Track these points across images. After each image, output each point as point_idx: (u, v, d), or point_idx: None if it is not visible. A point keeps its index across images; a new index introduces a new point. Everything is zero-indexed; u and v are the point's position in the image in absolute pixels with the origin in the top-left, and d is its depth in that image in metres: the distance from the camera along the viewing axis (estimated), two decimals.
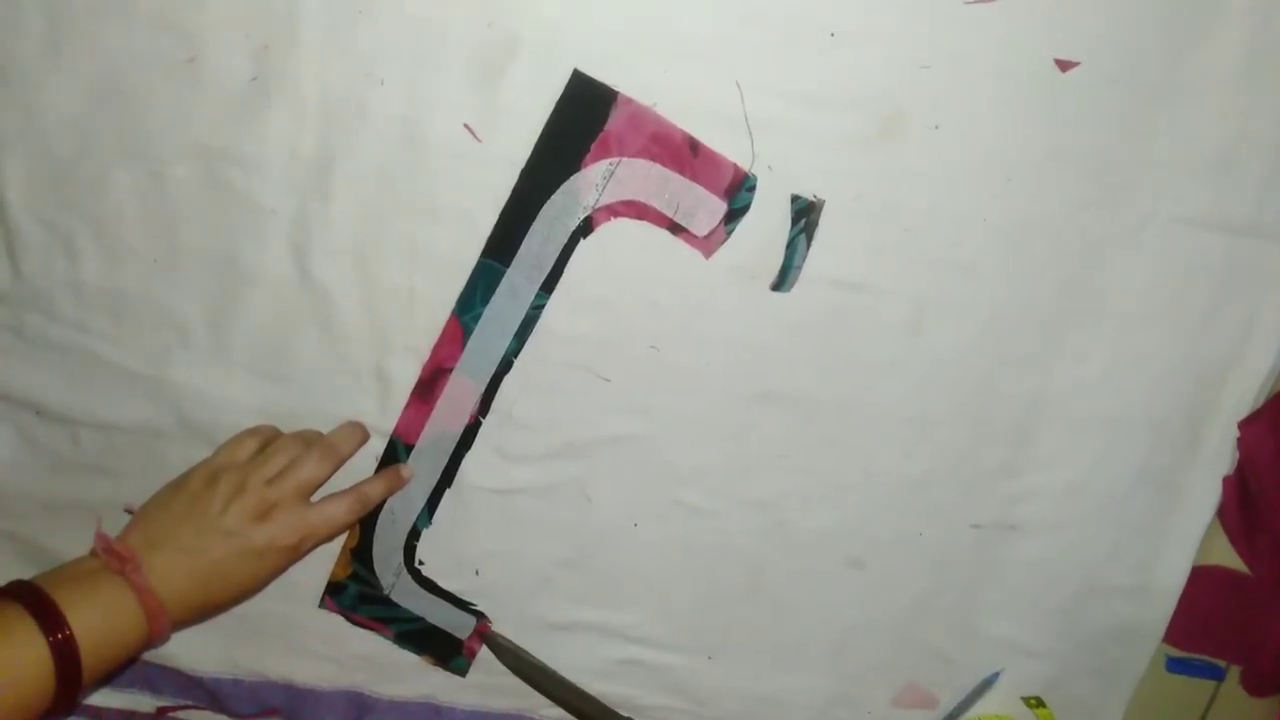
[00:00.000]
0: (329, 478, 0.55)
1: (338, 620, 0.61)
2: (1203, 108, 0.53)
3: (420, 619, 0.61)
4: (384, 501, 0.58)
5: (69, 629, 0.44)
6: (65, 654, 0.43)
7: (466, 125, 0.53)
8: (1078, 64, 0.52)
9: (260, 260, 0.55)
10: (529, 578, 0.60)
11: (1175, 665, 0.62)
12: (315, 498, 0.55)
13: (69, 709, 0.45)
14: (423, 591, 0.60)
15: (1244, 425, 0.57)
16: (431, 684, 0.62)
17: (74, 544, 0.54)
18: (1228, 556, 0.60)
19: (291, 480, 0.52)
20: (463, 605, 0.60)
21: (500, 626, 0.61)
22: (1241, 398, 0.57)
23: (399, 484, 0.57)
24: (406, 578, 0.60)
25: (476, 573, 0.60)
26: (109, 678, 0.47)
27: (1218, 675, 0.63)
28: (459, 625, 0.61)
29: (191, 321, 0.56)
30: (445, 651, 0.61)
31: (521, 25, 0.51)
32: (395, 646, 0.61)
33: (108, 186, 0.54)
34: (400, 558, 0.60)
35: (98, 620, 0.45)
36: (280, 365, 0.57)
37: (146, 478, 0.55)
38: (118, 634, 0.46)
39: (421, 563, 0.60)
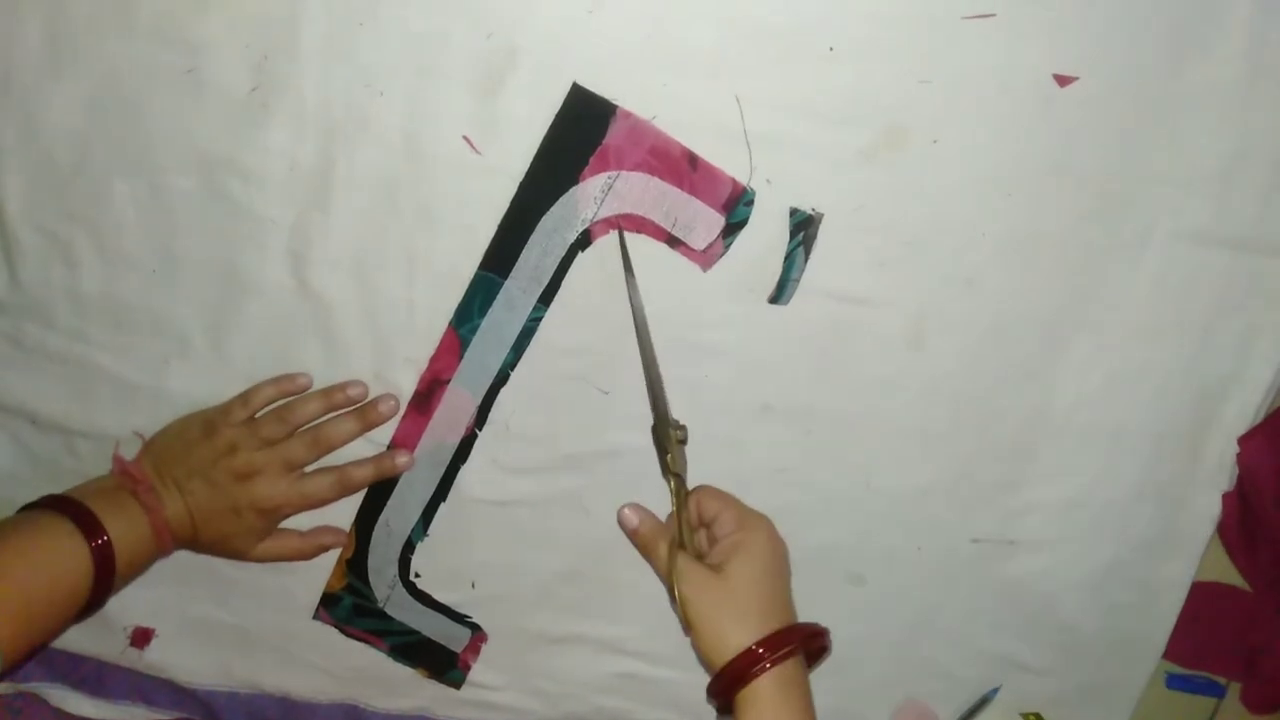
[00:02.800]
0: (312, 462, 0.56)
1: (332, 632, 0.60)
2: (1203, 122, 0.52)
3: (415, 632, 0.60)
4: (381, 503, 0.58)
5: (107, 535, 0.50)
6: (104, 558, 0.49)
7: (466, 137, 0.53)
8: (1077, 78, 0.52)
9: (259, 270, 0.55)
10: (526, 590, 0.60)
11: (1175, 682, 0.62)
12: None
13: (98, 607, 0.51)
14: (417, 604, 0.60)
15: (1244, 441, 0.57)
16: (427, 697, 0.62)
17: None
18: (1228, 573, 0.60)
19: (279, 452, 0.55)
20: (458, 618, 0.60)
21: (497, 639, 0.61)
22: (1242, 412, 0.57)
23: (391, 470, 0.57)
24: (401, 590, 0.59)
25: (473, 585, 0.60)
26: (126, 583, 0.54)
27: (1218, 692, 0.62)
28: (454, 637, 0.61)
29: (190, 331, 0.56)
30: (440, 664, 0.61)
31: (521, 37, 0.52)
32: (390, 659, 0.61)
33: (107, 196, 0.54)
34: (395, 570, 0.59)
35: (124, 530, 0.51)
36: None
37: None
38: (137, 544, 0.52)
39: (417, 575, 0.60)
